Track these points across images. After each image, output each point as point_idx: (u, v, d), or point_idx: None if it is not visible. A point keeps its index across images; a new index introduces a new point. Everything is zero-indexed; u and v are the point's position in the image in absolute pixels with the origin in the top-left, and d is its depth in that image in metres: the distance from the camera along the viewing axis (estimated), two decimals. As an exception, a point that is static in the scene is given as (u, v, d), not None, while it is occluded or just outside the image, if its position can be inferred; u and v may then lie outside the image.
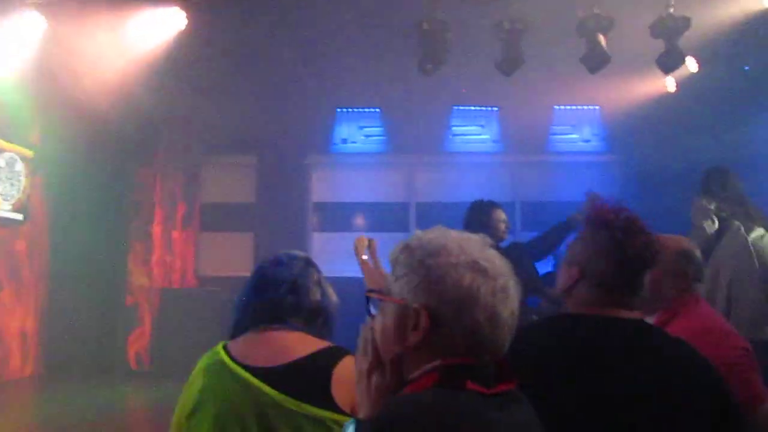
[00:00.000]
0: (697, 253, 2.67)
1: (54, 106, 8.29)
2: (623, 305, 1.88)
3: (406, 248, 1.38)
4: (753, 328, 4.83)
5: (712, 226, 5.22)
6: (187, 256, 10.44)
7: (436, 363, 1.30)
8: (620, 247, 1.89)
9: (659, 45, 7.38)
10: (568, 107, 10.24)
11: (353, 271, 5.03)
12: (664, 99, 8.90)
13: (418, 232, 1.41)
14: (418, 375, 1.31)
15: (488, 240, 1.38)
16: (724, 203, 5.34)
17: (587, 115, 10.31)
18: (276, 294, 2.07)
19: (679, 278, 2.58)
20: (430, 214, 10.12)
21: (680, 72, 7.98)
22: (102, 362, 8.80)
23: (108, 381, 8.42)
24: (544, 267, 6.01)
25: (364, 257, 4.87)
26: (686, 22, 7.14)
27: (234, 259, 10.14)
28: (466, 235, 1.38)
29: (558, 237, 5.52)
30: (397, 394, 1.32)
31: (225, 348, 2.05)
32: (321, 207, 10.78)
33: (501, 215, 5.14)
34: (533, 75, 7.97)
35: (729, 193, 5.40)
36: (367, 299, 1.43)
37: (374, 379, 1.37)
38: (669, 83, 8.73)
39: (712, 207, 5.30)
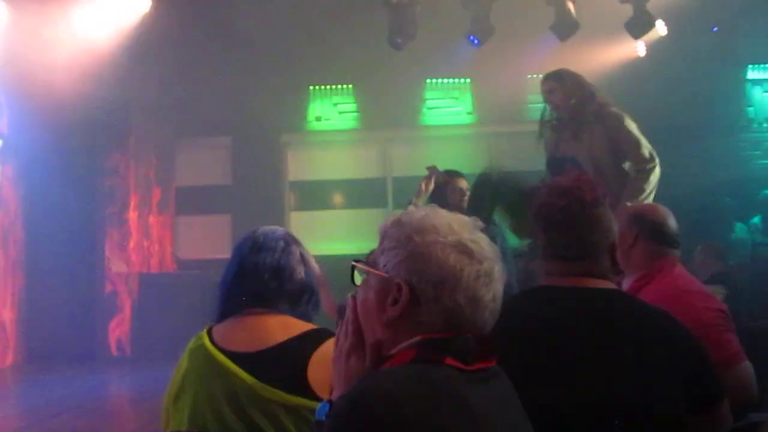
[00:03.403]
0: (655, 217, 2.63)
1: (22, 94, 8.16)
2: (585, 273, 1.86)
3: (397, 222, 1.38)
4: None
5: None
6: (164, 240, 10.38)
7: (416, 339, 1.29)
8: (544, 211, 1.90)
9: (628, 10, 7.40)
10: (541, 75, 10.22)
11: (331, 249, 5.04)
12: (635, 63, 8.93)
13: (411, 208, 1.41)
14: (396, 351, 1.31)
15: (479, 223, 1.38)
16: None
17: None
18: (258, 282, 2.01)
19: (623, 239, 2.54)
20: (407, 189, 10.07)
21: (650, 36, 8.01)
22: (83, 350, 8.75)
23: (90, 368, 8.38)
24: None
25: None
26: (654, -14, 7.17)
27: (212, 241, 10.09)
28: (458, 215, 1.38)
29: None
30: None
31: (209, 332, 2.01)
32: (297, 186, 10.73)
33: (458, 184, 5.07)
34: (504, 45, 7.96)
35: None
36: (353, 269, 1.43)
37: (352, 360, 1.36)
38: (639, 47, 8.76)
39: None
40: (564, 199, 1.87)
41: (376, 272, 1.36)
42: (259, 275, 2.02)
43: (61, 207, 8.73)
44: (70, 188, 8.85)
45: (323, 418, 1.30)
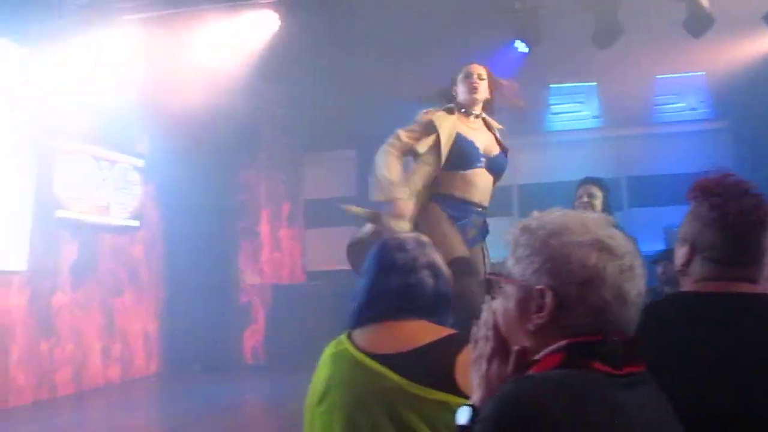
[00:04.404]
0: None
1: (159, 116, 8.62)
2: (743, 279, 1.75)
3: (527, 229, 1.35)
4: None
5: None
6: (294, 252, 10.66)
7: (562, 343, 1.26)
8: (722, 213, 1.77)
9: (766, 1, 7.01)
10: (671, 75, 9.83)
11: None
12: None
13: (537, 213, 1.38)
14: (542, 356, 1.28)
15: (611, 219, 1.34)
16: None
17: (692, 82, 9.87)
18: (388, 304, 2.03)
19: None
20: (533, 196, 9.96)
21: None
22: (220, 358, 9.11)
23: (226, 376, 8.71)
24: (655, 244, 5.80)
25: None
26: (795, -26, 6.76)
27: (340, 252, 10.25)
28: (587, 214, 1.35)
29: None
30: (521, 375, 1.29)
31: (349, 337, 2.05)
32: (421, 196, 10.76)
33: (584, 189, 5.01)
34: (632, 45, 7.71)
35: None
36: (488, 282, 1.41)
37: (493, 365, 1.34)
38: (780, 40, 8.28)
39: None
40: (750, 201, 1.76)
41: (515, 282, 1.34)
42: (389, 298, 2.03)
43: (197, 223, 9.15)
44: (206, 204, 9.26)
45: (465, 423, 1.29)
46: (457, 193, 4.07)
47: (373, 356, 1.94)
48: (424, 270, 2.06)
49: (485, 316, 1.39)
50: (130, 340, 8.83)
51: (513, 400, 1.18)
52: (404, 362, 1.89)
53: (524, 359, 1.30)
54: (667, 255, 4.71)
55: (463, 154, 4.09)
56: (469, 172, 4.10)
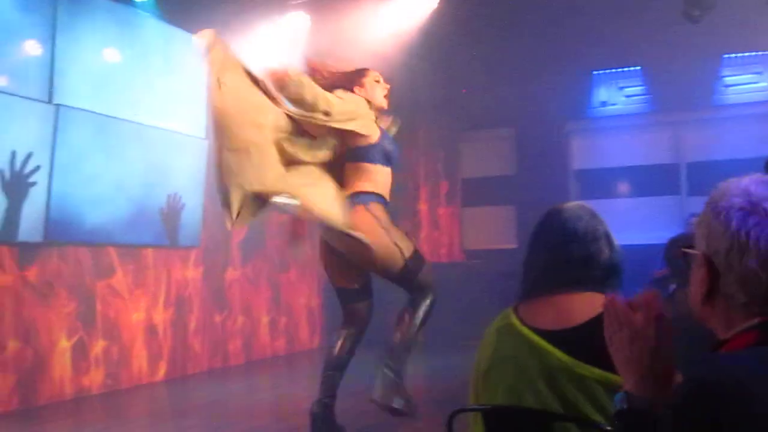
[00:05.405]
0: None
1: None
2: None
3: (708, 197, 1.32)
4: None
5: None
6: (452, 231, 10.71)
7: (755, 321, 1.20)
8: None
9: None
10: None
11: (620, 239, 4.87)
12: None
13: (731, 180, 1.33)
14: (732, 335, 1.23)
15: None
16: None
17: None
18: (567, 273, 2.01)
19: None
20: (702, 174, 9.44)
21: None
22: (379, 335, 9.29)
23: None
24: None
25: None
26: None
27: (497, 232, 10.22)
28: (765, 177, 1.27)
29: None
30: (714, 352, 1.25)
31: (515, 310, 2.05)
32: (583, 174, 10.48)
33: None
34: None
35: None
36: (684, 255, 1.37)
37: (636, 345, 1.31)
38: None
39: None
40: None
41: (690, 251, 1.31)
42: (569, 267, 2.01)
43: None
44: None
45: (622, 407, 1.28)
46: None
47: (539, 332, 1.93)
48: (602, 239, 2.05)
49: (612, 305, 1.36)
50: (294, 314, 9.23)
51: (710, 381, 1.13)
52: (569, 338, 1.87)
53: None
54: None
55: None
56: None
